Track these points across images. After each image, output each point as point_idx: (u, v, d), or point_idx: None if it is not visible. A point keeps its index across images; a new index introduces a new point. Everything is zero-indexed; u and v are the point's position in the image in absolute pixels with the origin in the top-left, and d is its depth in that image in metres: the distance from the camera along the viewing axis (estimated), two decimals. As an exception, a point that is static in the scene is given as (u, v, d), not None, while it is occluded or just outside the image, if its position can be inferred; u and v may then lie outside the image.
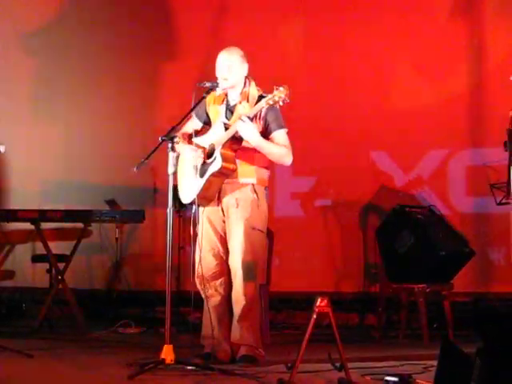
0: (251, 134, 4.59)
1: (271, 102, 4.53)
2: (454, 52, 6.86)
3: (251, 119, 4.61)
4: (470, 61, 6.82)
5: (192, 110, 4.77)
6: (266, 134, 4.73)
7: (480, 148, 6.72)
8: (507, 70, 5.98)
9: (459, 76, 6.83)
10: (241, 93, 4.81)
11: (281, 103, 4.52)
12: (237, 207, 4.73)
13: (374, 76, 6.95)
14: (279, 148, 4.72)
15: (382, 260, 6.33)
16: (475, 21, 6.82)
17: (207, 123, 4.97)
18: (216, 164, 4.65)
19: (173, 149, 4.49)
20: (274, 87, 4.50)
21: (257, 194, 4.76)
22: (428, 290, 5.92)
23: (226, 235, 4.80)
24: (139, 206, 6.94)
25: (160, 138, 4.48)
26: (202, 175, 4.72)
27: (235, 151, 4.70)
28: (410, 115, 6.87)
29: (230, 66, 4.76)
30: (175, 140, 4.50)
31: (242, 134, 4.60)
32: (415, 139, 6.87)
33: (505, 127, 6.07)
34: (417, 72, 6.91)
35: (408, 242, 6.07)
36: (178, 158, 4.70)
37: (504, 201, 5.90)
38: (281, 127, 4.75)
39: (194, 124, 4.95)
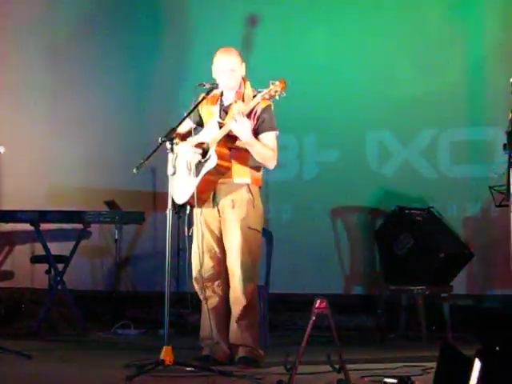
0: (243, 131, 4.54)
1: (267, 97, 4.49)
2: (460, 58, 6.86)
3: (247, 116, 4.57)
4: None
5: (192, 111, 4.74)
6: (256, 132, 4.67)
7: (481, 150, 6.72)
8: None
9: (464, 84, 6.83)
10: (236, 93, 4.78)
11: (277, 97, 4.48)
12: (233, 208, 4.71)
13: (375, 79, 6.94)
14: (267, 150, 4.67)
15: (381, 262, 6.32)
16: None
17: (199, 124, 4.93)
18: (211, 162, 4.60)
19: (172, 150, 4.48)
20: (270, 81, 4.44)
21: (252, 193, 4.73)
22: (427, 293, 5.92)
23: (222, 236, 4.79)
24: (139, 207, 6.94)
25: (160, 139, 4.47)
26: (196, 174, 4.67)
27: (230, 149, 4.66)
28: (411, 118, 6.87)
29: (233, 70, 4.72)
30: (174, 141, 4.49)
31: (234, 129, 4.55)
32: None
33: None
34: (423, 79, 6.87)
35: (407, 243, 6.07)
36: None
37: (503, 202, 5.90)
38: (272, 129, 4.72)
39: (186, 124, 4.83)
